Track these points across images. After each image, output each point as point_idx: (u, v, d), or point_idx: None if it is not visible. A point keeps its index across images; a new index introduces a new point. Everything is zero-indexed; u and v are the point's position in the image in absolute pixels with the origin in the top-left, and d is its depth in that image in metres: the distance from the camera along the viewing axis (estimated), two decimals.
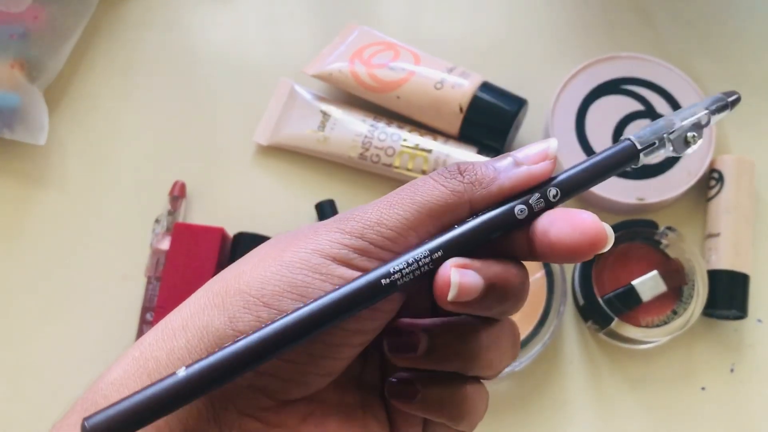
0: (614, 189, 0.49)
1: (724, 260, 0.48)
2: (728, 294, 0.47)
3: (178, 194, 0.52)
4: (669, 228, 0.48)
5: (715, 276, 0.47)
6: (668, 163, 0.50)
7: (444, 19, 0.58)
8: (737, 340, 0.48)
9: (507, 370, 0.46)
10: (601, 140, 0.51)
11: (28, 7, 0.55)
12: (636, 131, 0.24)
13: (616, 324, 0.46)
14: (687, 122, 0.25)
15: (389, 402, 0.25)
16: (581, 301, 0.48)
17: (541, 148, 0.24)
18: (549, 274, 0.48)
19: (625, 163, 0.24)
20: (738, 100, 0.26)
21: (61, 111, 0.55)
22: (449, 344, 0.24)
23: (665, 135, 0.24)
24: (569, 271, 0.49)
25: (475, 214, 0.23)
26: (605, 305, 0.46)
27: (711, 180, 0.50)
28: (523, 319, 0.47)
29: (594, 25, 0.57)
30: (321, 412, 0.24)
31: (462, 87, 0.51)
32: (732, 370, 0.48)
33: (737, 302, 0.47)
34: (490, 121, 0.50)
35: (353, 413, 0.25)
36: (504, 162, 0.24)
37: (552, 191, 0.23)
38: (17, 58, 0.53)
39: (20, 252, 0.52)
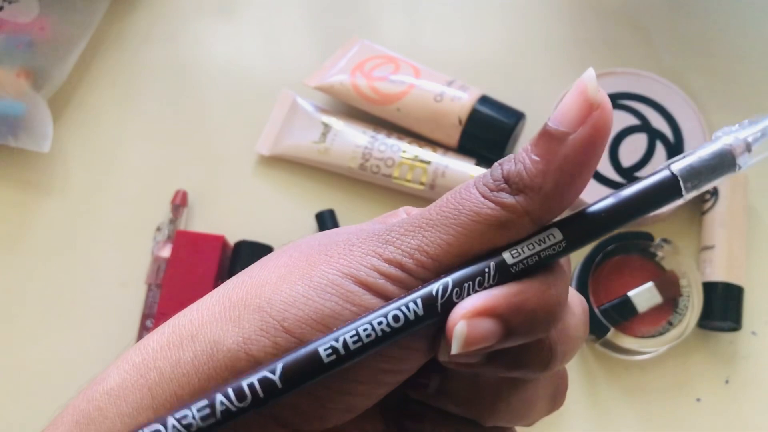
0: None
1: (719, 272, 0.48)
2: (723, 306, 0.48)
3: (179, 203, 0.52)
4: (664, 240, 0.48)
5: (709, 288, 0.48)
6: None
7: (444, 34, 0.59)
8: (732, 352, 0.49)
9: None
10: None
11: (35, 18, 0.55)
12: (679, 159, 0.19)
13: (612, 334, 0.46)
14: (753, 140, 0.20)
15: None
16: None
17: (576, 96, 0.19)
18: None
19: (662, 201, 0.20)
20: None
21: (65, 120, 0.56)
22: (464, 392, 0.21)
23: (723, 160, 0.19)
24: None
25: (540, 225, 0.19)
26: (601, 316, 0.47)
27: (706, 193, 0.51)
28: None
29: (591, 41, 0.58)
30: None
31: (461, 100, 0.52)
32: (727, 382, 0.48)
33: (732, 314, 0.48)
34: (489, 133, 0.51)
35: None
36: (543, 143, 0.19)
37: (559, 243, 0.19)
38: (23, 67, 0.54)
39: (22, 258, 0.52)
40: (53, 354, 0.50)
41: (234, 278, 0.22)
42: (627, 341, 0.46)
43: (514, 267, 0.19)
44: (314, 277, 0.20)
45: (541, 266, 0.19)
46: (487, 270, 0.19)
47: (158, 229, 0.52)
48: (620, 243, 0.49)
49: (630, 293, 0.47)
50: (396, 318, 0.19)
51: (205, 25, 0.60)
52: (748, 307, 0.48)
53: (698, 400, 0.48)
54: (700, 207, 0.51)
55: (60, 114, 0.55)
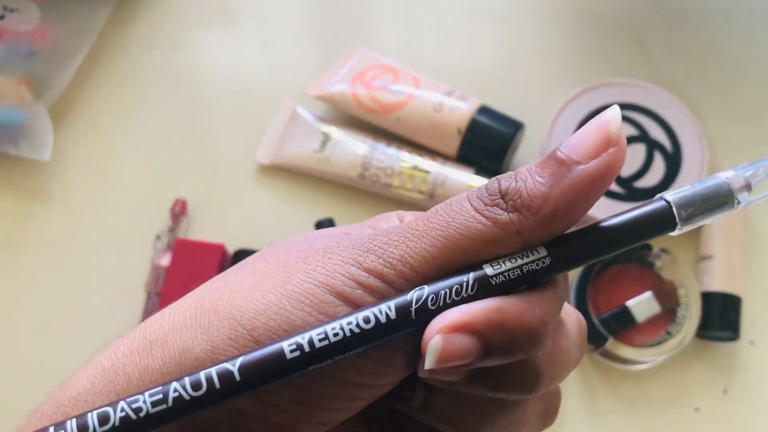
0: (609, 211, 0.50)
1: (717, 282, 0.48)
2: (721, 316, 0.48)
3: (179, 211, 0.52)
4: (663, 250, 0.49)
5: (708, 298, 0.48)
6: (663, 186, 0.51)
7: (443, 44, 0.59)
8: (730, 361, 0.49)
9: None
10: None
11: (36, 27, 0.56)
12: (676, 191, 0.19)
13: (610, 344, 0.46)
14: (753, 179, 0.20)
15: None
16: None
17: (596, 129, 0.18)
18: None
19: (654, 232, 0.19)
20: None
21: (65, 128, 0.56)
22: (449, 408, 0.20)
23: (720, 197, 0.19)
24: None
25: (528, 247, 0.18)
26: (600, 325, 0.47)
27: None
28: None
29: (590, 52, 0.58)
30: None
31: (460, 110, 0.52)
32: (725, 392, 0.48)
33: (730, 324, 0.48)
34: (488, 143, 0.51)
35: None
36: (551, 167, 0.18)
37: (543, 259, 0.18)
38: (24, 75, 0.54)
39: (22, 265, 0.52)
40: (53, 361, 0.49)
41: (208, 283, 0.21)
42: (626, 351, 0.47)
43: (495, 279, 0.18)
44: (288, 285, 0.19)
45: (526, 282, 0.18)
46: (466, 280, 0.18)
47: (158, 237, 0.52)
48: (619, 253, 0.49)
49: (629, 303, 0.47)
50: (366, 320, 0.18)
51: (206, 34, 0.60)
52: (746, 317, 0.49)
53: (697, 409, 0.48)
54: None
55: (60, 122, 0.56)
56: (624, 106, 0.53)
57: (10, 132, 0.53)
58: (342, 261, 0.19)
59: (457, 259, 0.18)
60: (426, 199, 0.51)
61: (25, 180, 0.54)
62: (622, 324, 0.47)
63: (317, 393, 0.19)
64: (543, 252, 0.18)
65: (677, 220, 0.19)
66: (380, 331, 0.18)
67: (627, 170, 0.51)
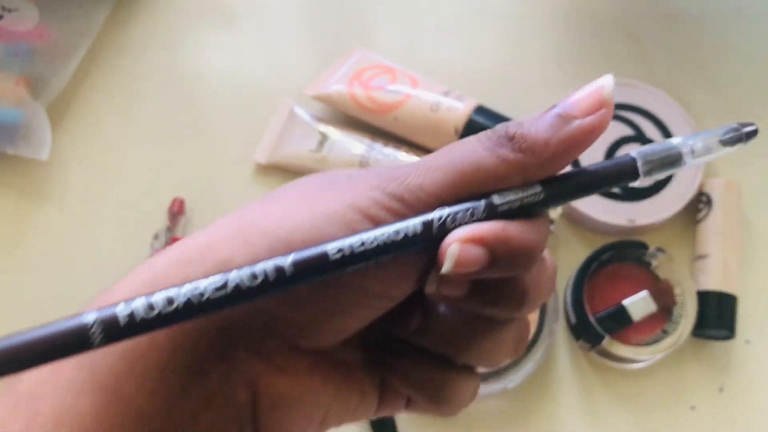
0: (605, 210, 0.50)
1: (713, 281, 0.49)
2: (717, 314, 0.48)
3: (177, 211, 0.53)
4: (659, 249, 0.49)
5: (704, 297, 0.48)
6: (658, 186, 0.51)
7: (441, 44, 0.59)
8: (726, 360, 0.49)
9: (498, 387, 0.47)
10: (592, 163, 0.52)
11: (34, 26, 0.56)
12: (640, 148, 0.23)
13: (607, 342, 0.47)
14: (697, 148, 0.24)
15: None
16: (573, 320, 0.49)
17: (592, 92, 0.22)
18: None
19: (623, 179, 0.23)
20: (755, 132, 0.24)
21: (63, 127, 0.56)
22: (443, 330, 0.24)
23: (670, 155, 0.23)
24: (561, 291, 0.50)
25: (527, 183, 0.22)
26: (597, 324, 0.47)
27: (700, 203, 0.52)
28: None
29: (587, 52, 0.58)
30: (328, 365, 0.23)
31: (457, 110, 0.52)
32: (721, 390, 0.49)
33: (726, 323, 0.48)
34: None
35: (354, 373, 0.24)
36: (551, 119, 0.22)
37: (538, 194, 0.22)
38: (22, 74, 0.54)
39: (20, 265, 0.52)
40: None
41: (241, 208, 0.23)
42: (622, 349, 0.47)
43: (500, 207, 0.21)
44: (319, 207, 0.21)
45: (523, 213, 0.22)
46: (478, 205, 0.21)
47: (155, 236, 0.52)
48: (615, 252, 0.49)
49: (625, 302, 0.47)
50: (397, 232, 0.20)
51: (204, 34, 0.60)
52: (742, 316, 0.49)
53: (693, 408, 0.48)
54: (694, 216, 0.52)
55: (58, 121, 0.56)
56: (620, 106, 0.53)
57: (8, 131, 0.53)
58: (367, 187, 0.21)
59: (468, 190, 0.21)
60: None
61: (23, 179, 0.54)
62: (618, 323, 0.47)
63: (343, 301, 0.21)
64: (538, 188, 0.22)
65: (640, 171, 0.23)
66: (407, 242, 0.21)
67: None
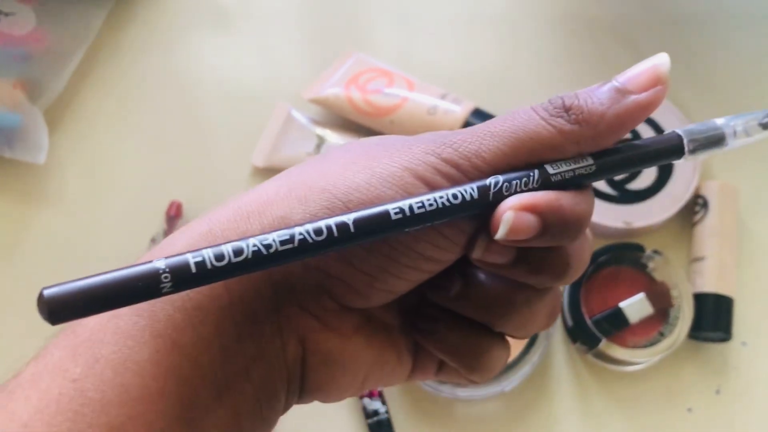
0: (602, 213, 0.50)
1: (709, 283, 0.49)
2: (713, 316, 0.48)
3: (174, 214, 0.53)
4: (655, 251, 0.49)
5: (700, 299, 0.48)
6: (655, 189, 0.51)
7: (437, 48, 0.60)
8: (722, 362, 0.49)
9: (496, 390, 0.47)
10: None
11: (32, 30, 0.56)
12: (686, 127, 0.24)
13: (604, 345, 0.47)
14: (738, 130, 0.24)
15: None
16: (570, 323, 0.49)
17: (648, 69, 0.23)
18: None
19: (669, 155, 0.23)
20: None
21: (60, 131, 0.56)
22: (482, 297, 0.24)
23: (716, 135, 0.23)
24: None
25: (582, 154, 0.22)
26: (593, 327, 0.47)
27: (696, 205, 0.52)
28: (513, 341, 0.47)
29: (583, 54, 0.58)
30: (371, 327, 0.24)
31: (454, 113, 0.52)
32: (718, 392, 0.49)
33: (722, 325, 0.48)
34: None
35: (394, 335, 0.25)
36: (608, 93, 0.22)
37: (590, 166, 0.22)
38: (19, 78, 0.54)
39: (18, 269, 0.52)
40: None
41: (295, 168, 0.23)
42: (619, 352, 0.47)
43: (554, 177, 0.22)
44: (376, 169, 0.22)
45: (575, 184, 0.22)
46: (532, 174, 0.22)
47: (153, 240, 0.52)
48: (612, 254, 0.49)
49: (622, 304, 0.47)
50: (455, 196, 0.21)
51: (201, 38, 0.60)
52: (738, 318, 0.49)
53: (689, 410, 0.48)
54: (690, 219, 0.52)
55: (55, 125, 0.56)
56: None
57: (6, 135, 0.53)
58: (422, 151, 0.22)
59: (523, 158, 0.22)
60: None
61: (20, 183, 0.54)
62: (615, 325, 0.47)
63: (396, 262, 0.22)
64: (590, 161, 0.22)
65: (686, 149, 0.23)
66: (464, 206, 0.21)
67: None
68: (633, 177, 0.52)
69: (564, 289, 0.49)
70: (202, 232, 0.21)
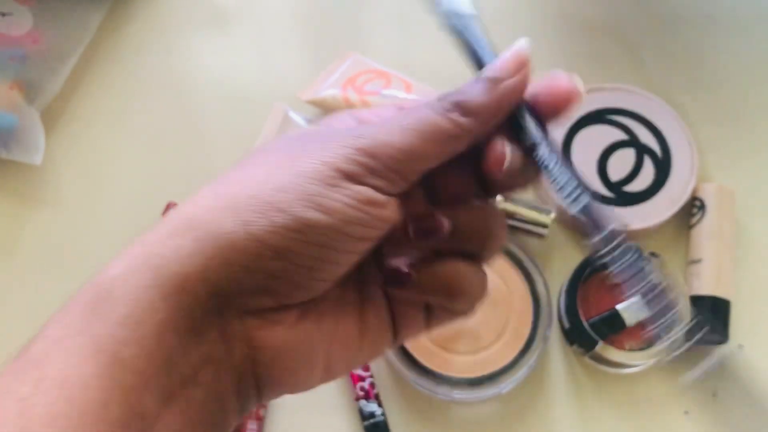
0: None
1: (706, 286, 0.49)
2: (710, 319, 0.48)
3: None
4: (652, 254, 0.49)
5: (697, 301, 0.48)
6: (652, 191, 0.51)
7: (435, 49, 0.59)
8: (719, 365, 0.49)
9: (492, 392, 0.46)
10: (586, 167, 0.52)
11: (29, 31, 0.56)
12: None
13: (600, 347, 0.47)
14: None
15: (391, 298, 0.27)
16: (567, 325, 0.49)
17: (512, 56, 0.26)
18: (535, 300, 0.48)
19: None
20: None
21: (57, 132, 0.56)
22: (466, 225, 0.27)
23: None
24: (555, 296, 0.50)
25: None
26: (590, 329, 0.47)
27: (693, 208, 0.52)
28: (510, 343, 0.47)
29: (581, 57, 0.58)
30: (318, 310, 0.25)
31: None
32: (714, 395, 0.49)
33: (719, 327, 0.48)
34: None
35: (350, 310, 0.26)
36: (484, 84, 0.25)
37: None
38: (16, 79, 0.54)
39: (14, 270, 0.52)
40: None
41: (221, 178, 0.24)
42: (616, 354, 0.47)
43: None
44: (298, 168, 0.23)
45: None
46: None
47: None
48: None
49: (618, 307, 0.47)
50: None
51: (199, 39, 0.60)
52: (735, 321, 0.49)
53: (686, 412, 0.48)
54: (687, 221, 0.52)
55: (52, 126, 0.56)
56: (614, 111, 0.54)
57: (2, 136, 0.53)
58: (339, 146, 0.24)
59: (429, 149, 0.25)
60: None
61: (16, 184, 0.54)
62: (612, 328, 0.47)
63: (332, 249, 0.23)
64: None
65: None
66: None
67: (617, 175, 0.52)
68: (630, 179, 0.52)
69: (561, 293, 0.49)
70: (137, 254, 0.23)
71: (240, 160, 0.25)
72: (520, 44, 0.26)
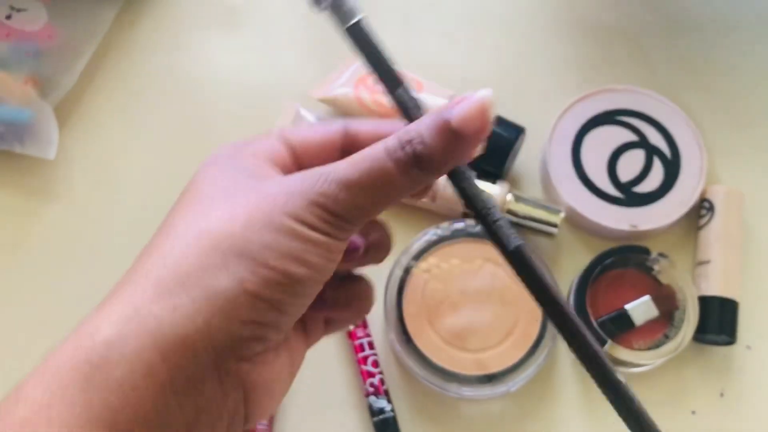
0: (608, 216, 0.51)
1: (715, 287, 0.49)
2: (718, 320, 0.49)
3: None
4: (661, 254, 0.49)
5: (705, 302, 0.49)
6: (661, 192, 0.52)
7: (446, 49, 0.60)
8: (727, 365, 0.50)
9: (501, 390, 0.47)
10: (596, 168, 0.52)
11: (43, 26, 0.56)
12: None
13: (609, 347, 0.47)
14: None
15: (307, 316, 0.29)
16: None
17: (481, 115, 0.27)
18: None
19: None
20: None
21: (70, 127, 0.56)
22: (377, 244, 0.30)
23: None
24: (564, 295, 0.50)
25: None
26: (599, 328, 0.47)
27: (702, 209, 0.52)
28: (519, 341, 0.48)
29: (590, 57, 0.59)
30: (286, 343, 0.27)
31: None
32: (722, 395, 0.49)
33: (727, 328, 0.49)
34: (490, 147, 0.52)
35: (298, 332, 0.29)
36: (445, 137, 0.26)
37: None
38: (30, 74, 0.54)
39: (26, 264, 0.53)
40: None
41: (191, 223, 0.26)
42: (624, 354, 0.47)
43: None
44: (275, 225, 0.24)
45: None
46: None
47: None
48: (618, 257, 0.49)
49: (627, 306, 0.48)
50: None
51: (211, 37, 0.60)
52: (743, 322, 0.49)
53: (693, 412, 0.48)
54: (696, 222, 0.52)
55: (66, 121, 0.56)
56: (624, 112, 0.54)
57: (16, 130, 0.53)
58: (305, 202, 0.25)
59: (378, 192, 0.26)
60: (428, 202, 0.52)
61: (30, 178, 0.55)
62: (620, 327, 0.47)
63: (309, 296, 0.26)
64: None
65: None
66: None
67: (626, 175, 0.52)
68: (640, 180, 0.52)
69: (570, 291, 0.50)
70: (128, 315, 0.23)
71: (189, 197, 0.28)
72: (484, 97, 0.27)
